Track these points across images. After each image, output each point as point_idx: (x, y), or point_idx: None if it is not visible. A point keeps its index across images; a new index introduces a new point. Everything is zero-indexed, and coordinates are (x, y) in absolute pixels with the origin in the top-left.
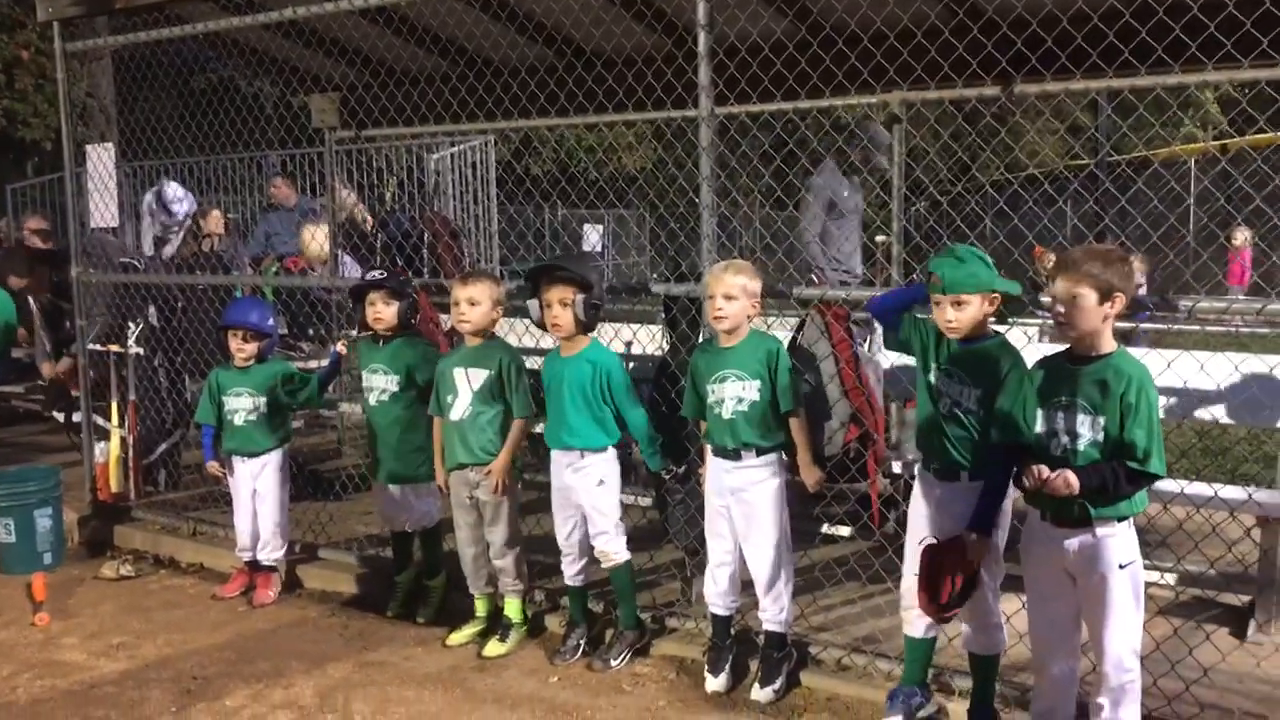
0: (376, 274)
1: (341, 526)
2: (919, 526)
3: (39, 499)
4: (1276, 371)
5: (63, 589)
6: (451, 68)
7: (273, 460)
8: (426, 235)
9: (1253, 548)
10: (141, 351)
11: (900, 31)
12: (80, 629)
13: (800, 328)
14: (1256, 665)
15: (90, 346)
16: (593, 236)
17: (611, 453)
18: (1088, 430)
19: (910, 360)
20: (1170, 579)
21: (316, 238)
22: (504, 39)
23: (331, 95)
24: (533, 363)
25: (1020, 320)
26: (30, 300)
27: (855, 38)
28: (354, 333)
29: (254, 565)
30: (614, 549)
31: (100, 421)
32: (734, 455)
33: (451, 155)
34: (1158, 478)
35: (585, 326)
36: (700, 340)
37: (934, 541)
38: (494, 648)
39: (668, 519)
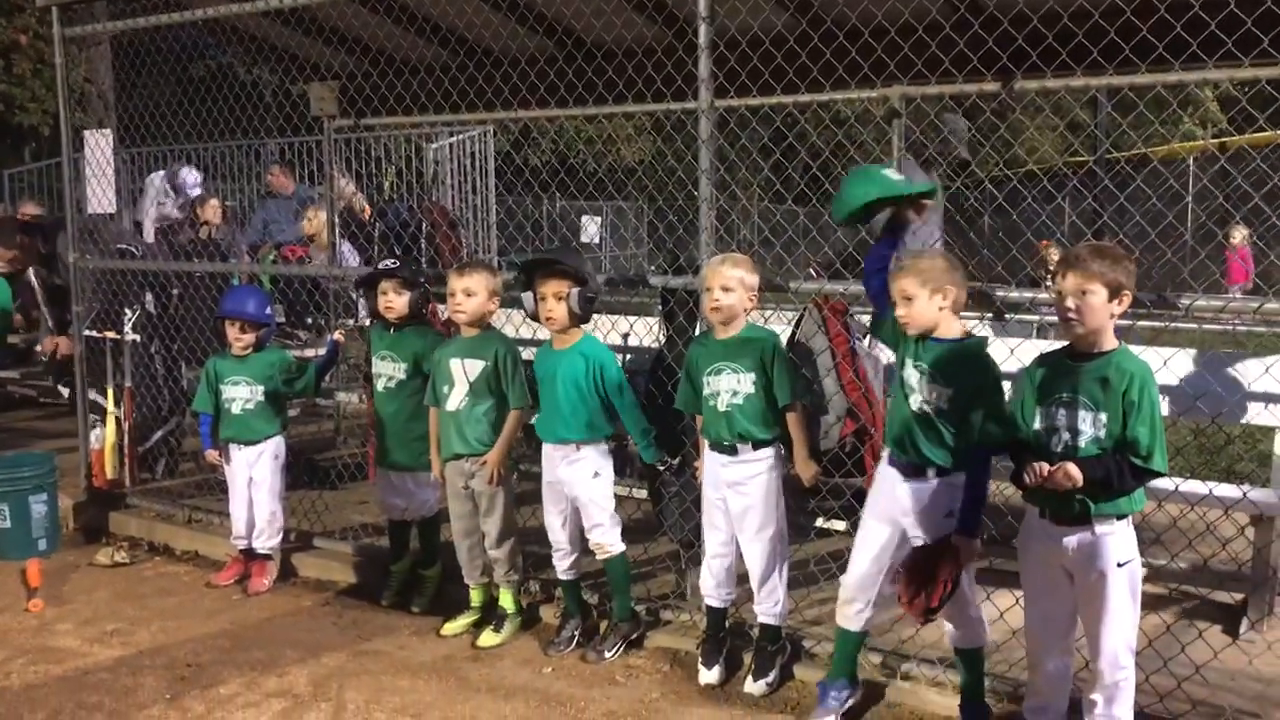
0: (389, 263)
1: (337, 515)
2: (875, 523)
3: (34, 485)
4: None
5: (57, 575)
6: (451, 57)
7: (269, 448)
8: (425, 225)
9: (1246, 546)
10: (138, 338)
11: (901, 26)
12: (75, 615)
13: (798, 322)
14: (1249, 663)
15: (86, 332)
16: (591, 228)
17: (605, 445)
18: (1089, 427)
19: None
20: (1164, 575)
21: (320, 216)
22: (504, 29)
23: (330, 83)
24: (529, 354)
25: (1020, 316)
26: (32, 277)
27: (856, 32)
28: (350, 322)
29: (249, 553)
30: (609, 541)
31: (98, 398)
32: (730, 449)
33: (450, 145)
34: (1159, 475)
35: (579, 320)
36: (697, 333)
37: (925, 543)
38: (488, 638)
39: (662, 512)
